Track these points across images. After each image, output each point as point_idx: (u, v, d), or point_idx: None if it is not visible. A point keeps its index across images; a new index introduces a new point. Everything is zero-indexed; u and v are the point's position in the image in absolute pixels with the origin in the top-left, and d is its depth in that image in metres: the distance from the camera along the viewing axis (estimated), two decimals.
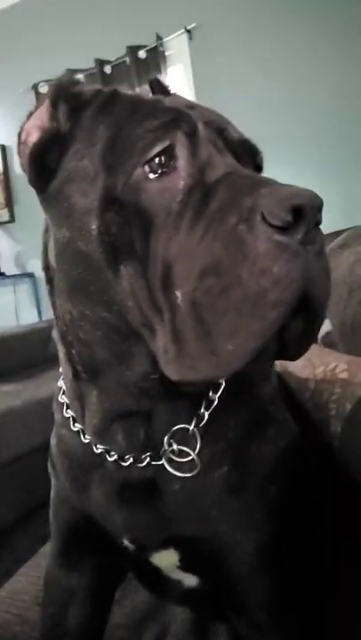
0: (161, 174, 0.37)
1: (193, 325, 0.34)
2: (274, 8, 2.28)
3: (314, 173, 2.28)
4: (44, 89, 2.73)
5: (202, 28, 2.39)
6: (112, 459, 0.47)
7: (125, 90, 0.47)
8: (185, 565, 0.50)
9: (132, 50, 2.43)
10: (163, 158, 0.37)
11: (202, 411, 0.45)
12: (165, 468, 0.45)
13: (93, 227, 0.39)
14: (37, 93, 2.75)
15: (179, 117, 0.39)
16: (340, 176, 2.26)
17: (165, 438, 0.45)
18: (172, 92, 0.50)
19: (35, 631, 0.68)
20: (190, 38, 2.41)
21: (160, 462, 0.45)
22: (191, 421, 0.45)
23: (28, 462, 1.54)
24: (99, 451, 0.47)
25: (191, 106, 0.42)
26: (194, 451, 0.44)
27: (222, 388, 0.46)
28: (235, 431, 0.47)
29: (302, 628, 0.50)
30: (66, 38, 2.67)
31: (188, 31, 2.40)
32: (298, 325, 0.35)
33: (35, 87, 2.75)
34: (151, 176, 0.37)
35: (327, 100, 2.24)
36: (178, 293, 0.34)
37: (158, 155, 0.37)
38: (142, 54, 2.44)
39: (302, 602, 0.50)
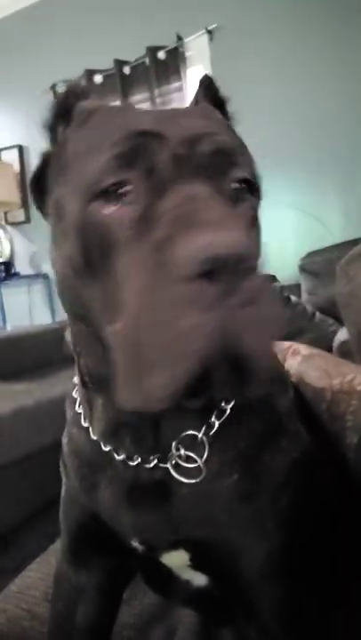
0: (114, 207, 0.37)
1: (122, 358, 0.34)
2: (295, 10, 2.27)
3: (331, 178, 2.27)
4: (62, 90, 2.76)
5: (223, 28, 2.39)
6: (120, 457, 0.47)
7: (113, 102, 0.48)
8: (195, 565, 0.50)
9: (152, 50, 2.44)
10: (116, 191, 0.36)
11: (212, 420, 0.45)
12: (177, 469, 0.45)
13: (65, 252, 0.40)
14: (55, 94, 2.77)
15: (140, 148, 0.37)
16: (357, 182, 2.25)
17: (173, 443, 0.45)
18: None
19: (43, 626, 0.68)
20: (211, 39, 2.41)
21: (168, 465, 0.45)
22: (200, 429, 0.45)
23: (38, 461, 1.55)
24: (107, 449, 0.48)
25: (171, 115, 0.41)
26: (201, 458, 0.44)
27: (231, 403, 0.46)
28: (247, 441, 0.46)
29: (312, 638, 0.49)
30: (85, 38, 2.69)
31: (209, 32, 2.40)
32: (233, 373, 0.33)
33: (53, 88, 2.77)
34: (104, 209, 0.37)
35: (346, 105, 2.23)
36: (113, 326, 0.35)
37: (111, 187, 0.37)
38: (162, 55, 2.44)
39: (313, 611, 0.49)
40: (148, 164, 0.37)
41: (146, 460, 0.46)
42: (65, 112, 0.45)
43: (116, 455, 0.47)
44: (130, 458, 0.46)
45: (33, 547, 1.42)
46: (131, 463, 0.46)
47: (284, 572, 0.47)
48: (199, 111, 0.46)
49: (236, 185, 0.40)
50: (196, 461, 0.44)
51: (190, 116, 0.42)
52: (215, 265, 0.29)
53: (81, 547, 0.58)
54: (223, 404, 0.46)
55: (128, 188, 0.36)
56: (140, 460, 0.46)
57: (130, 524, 0.48)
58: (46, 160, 0.46)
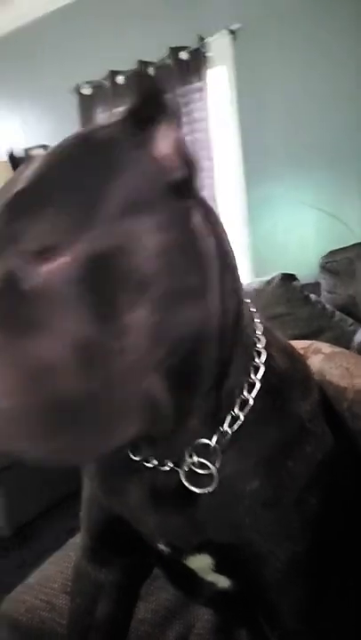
0: None
1: None
2: (319, 9, 2.25)
3: (352, 177, 2.24)
4: (86, 90, 2.78)
5: (246, 29, 2.37)
6: (138, 459, 0.46)
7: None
8: (220, 569, 0.49)
9: (174, 51, 2.43)
10: None
11: (225, 428, 0.44)
12: (191, 476, 0.44)
13: None
14: (80, 95, 2.80)
15: None
16: None
17: (186, 451, 0.44)
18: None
19: (62, 618, 0.69)
20: (234, 39, 2.40)
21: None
22: (213, 437, 0.44)
23: None
24: (125, 451, 0.47)
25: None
26: (214, 465, 0.44)
27: (249, 406, 0.45)
28: (267, 448, 0.46)
29: (334, 637, 0.49)
30: (108, 39, 2.70)
31: (232, 32, 2.38)
32: None
33: (77, 89, 2.80)
34: None
35: None
36: None
37: None
38: (184, 55, 2.44)
39: (337, 612, 0.49)
40: None
41: (162, 463, 0.45)
42: None
43: (133, 456, 0.47)
44: (147, 460, 0.46)
45: (51, 540, 1.44)
46: (148, 465, 0.46)
47: (307, 572, 0.46)
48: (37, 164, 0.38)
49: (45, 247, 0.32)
50: (209, 469, 0.44)
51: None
52: None
53: (101, 546, 0.58)
54: (237, 411, 0.45)
55: None
56: (156, 462, 0.45)
57: (154, 527, 0.48)
58: None
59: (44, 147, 3.14)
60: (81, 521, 0.59)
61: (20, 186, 0.34)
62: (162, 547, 0.50)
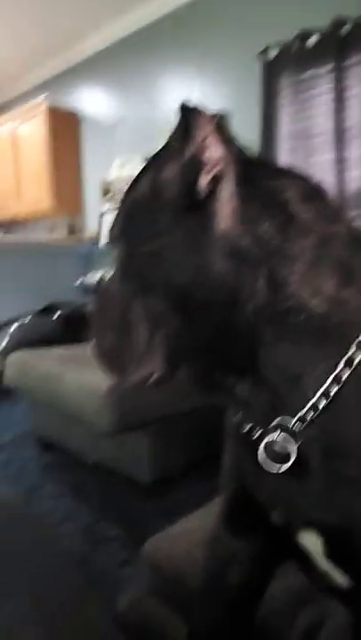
0: None
1: None
2: None
3: None
4: (272, 53, 2.69)
5: None
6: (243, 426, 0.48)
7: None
8: (331, 554, 0.47)
9: None
10: None
11: (305, 412, 0.42)
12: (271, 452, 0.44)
13: None
14: (265, 59, 2.72)
15: None
16: None
17: (271, 428, 0.44)
18: None
19: (198, 569, 0.72)
20: None
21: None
22: (295, 417, 0.43)
23: (204, 413, 1.61)
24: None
25: None
26: (294, 444, 0.43)
27: (333, 393, 0.41)
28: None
29: None
30: None
31: None
32: None
33: (264, 52, 2.73)
34: None
35: None
36: None
37: None
38: None
39: None
40: None
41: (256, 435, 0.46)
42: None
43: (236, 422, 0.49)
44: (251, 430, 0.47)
45: (189, 496, 1.52)
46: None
47: None
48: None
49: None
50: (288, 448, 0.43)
51: None
52: None
53: (236, 515, 0.60)
54: (317, 399, 0.41)
55: None
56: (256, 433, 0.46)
57: (266, 494, 0.49)
58: None
59: (223, 114, 3.14)
60: (220, 486, 0.61)
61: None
62: (275, 518, 0.49)
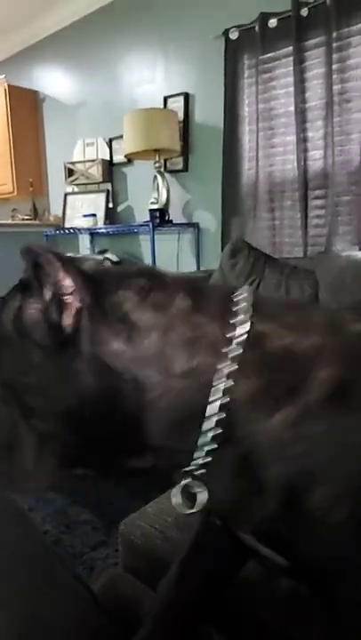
0: None
1: None
2: None
3: None
4: (234, 35, 2.68)
5: None
6: None
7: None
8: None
9: None
10: None
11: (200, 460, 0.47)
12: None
13: None
14: (228, 40, 2.71)
15: None
16: None
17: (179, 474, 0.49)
18: None
19: (173, 549, 0.74)
20: None
21: None
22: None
23: None
24: None
25: None
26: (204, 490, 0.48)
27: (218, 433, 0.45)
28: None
29: None
30: None
31: None
32: None
33: (225, 33, 2.71)
34: None
35: None
36: None
37: None
38: None
39: None
40: None
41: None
42: None
43: None
44: None
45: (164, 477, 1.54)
46: None
47: None
48: None
49: None
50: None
51: None
52: None
53: None
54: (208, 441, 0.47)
55: None
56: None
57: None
58: None
59: (186, 94, 3.14)
60: None
61: None
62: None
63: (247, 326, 0.44)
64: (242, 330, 0.44)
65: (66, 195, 3.81)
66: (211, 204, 3.01)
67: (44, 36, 3.93)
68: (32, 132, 4.14)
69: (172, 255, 3.25)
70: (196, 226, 3.13)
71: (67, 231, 3.61)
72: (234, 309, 0.46)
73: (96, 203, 3.61)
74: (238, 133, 2.79)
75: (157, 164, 3.00)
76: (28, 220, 4.10)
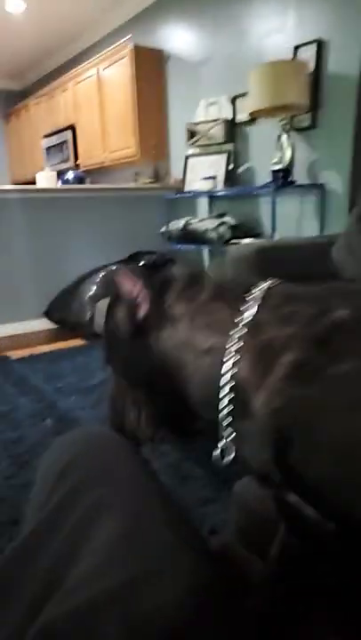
0: None
1: None
2: None
3: None
4: None
5: None
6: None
7: None
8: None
9: None
10: None
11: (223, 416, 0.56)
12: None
13: None
14: None
15: None
16: None
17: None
18: None
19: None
20: None
21: None
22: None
23: None
24: None
25: None
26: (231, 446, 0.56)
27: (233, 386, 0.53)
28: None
29: None
30: None
31: None
32: None
33: None
34: None
35: None
36: None
37: None
38: None
39: None
40: None
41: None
42: None
43: None
44: None
45: None
46: None
47: None
48: None
49: None
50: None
51: None
52: None
53: None
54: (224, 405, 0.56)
55: None
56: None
57: None
58: None
59: (319, 42, 2.90)
60: None
61: None
62: None
63: (253, 312, 0.53)
64: (248, 316, 0.53)
65: (187, 157, 3.81)
66: (339, 165, 2.81)
67: None
68: (156, 94, 4.17)
69: (293, 218, 3.13)
70: (321, 187, 2.96)
71: (186, 194, 3.63)
72: (247, 299, 0.55)
73: (217, 164, 3.57)
74: None
75: (283, 122, 2.86)
76: (150, 183, 4.20)
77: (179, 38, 3.95)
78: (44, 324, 3.59)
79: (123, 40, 4.26)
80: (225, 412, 0.52)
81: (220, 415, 0.52)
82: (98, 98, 4.57)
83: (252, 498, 0.86)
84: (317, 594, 0.65)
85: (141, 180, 4.35)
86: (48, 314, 3.59)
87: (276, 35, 3.12)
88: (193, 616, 0.41)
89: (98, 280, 3.29)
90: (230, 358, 0.51)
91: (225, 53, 3.53)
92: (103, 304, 2.25)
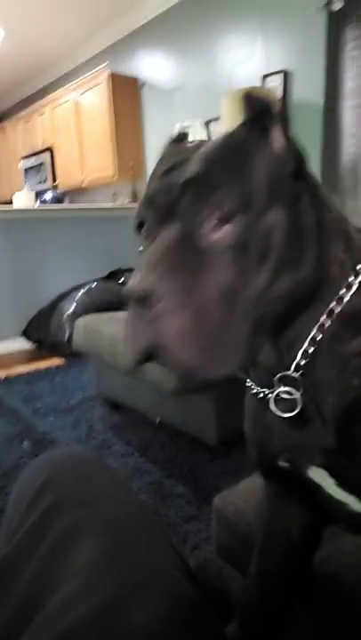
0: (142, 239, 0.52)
1: None
2: None
3: None
4: (337, 5, 2.54)
5: None
6: (250, 385, 0.58)
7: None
8: (340, 481, 0.54)
9: None
10: (141, 227, 0.52)
11: (298, 360, 0.52)
12: (279, 402, 0.53)
13: None
14: (331, 13, 2.58)
15: (152, 195, 0.51)
16: None
17: (275, 382, 0.53)
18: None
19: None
20: None
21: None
22: (290, 369, 0.52)
23: None
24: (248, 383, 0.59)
25: (181, 161, 0.51)
26: (298, 391, 0.52)
27: (319, 339, 0.51)
28: (338, 380, 0.51)
29: None
30: None
31: None
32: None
33: (328, 4, 2.58)
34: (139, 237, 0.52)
35: None
36: None
37: (138, 226, 0.52)
38: None
39: None
40: (153, 207, 0.50)
41: (263, 392, 0.55)
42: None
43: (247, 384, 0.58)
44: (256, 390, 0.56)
45: None
46: (259, 395, 0.56)
47: None
48: (213, 148, 0.51)
49: (215, 218, 0.47)
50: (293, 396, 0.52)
51: (194, 160, 0.50)
52: (130, 298, 0.45)
53: (270, 479, 0.67)
54: (306, 346, 0.51)
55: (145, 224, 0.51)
56: (261, 391, 0.56)
57: (277, 444, 0.57)
58: None
59: (285, 72, 3.03)
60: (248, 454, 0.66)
61: (193, 169, 0.48)
62: (283, 464, 0.57)
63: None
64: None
65: None
66: None
67: (142, 23, 4.00)
68: (132, 117, 4.26)
69: None
70: None
71: None
72: None
73: None
74: (339, 110, 2.66)
75: None
76: (129, 202, 4.25)
77: (154, 66, 4.06)
78: (21, 344, 3.58)
79: (99, 67, 4.35)
80: (307, 342, 0.51)
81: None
82: (75, 121, 4.64)
83: (232, 512, 0.89)
84: (295, 615, 0.68)
85: (120, 199, 4.41)
86: (26, 333, 3.57)
87: (246, 64, 3.25)
88: (170, 638, 0.41)
89: (77, 298, 3.30)
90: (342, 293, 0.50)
91: (198, 80, 3.64)
92: (82, 322, 2.27)
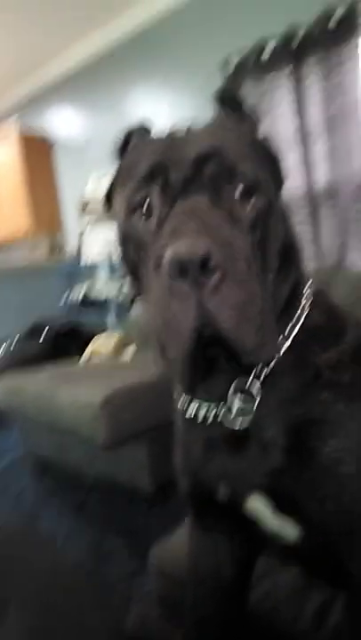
0: (144, 218, 0.50)
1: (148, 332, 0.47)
2: None
3: None
4: (234, 61, 2.75)
5: None
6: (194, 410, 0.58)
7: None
8: (279, 506, 0.54)
9: (323, 19, 2.29)
10: (143, 206, 0.50)
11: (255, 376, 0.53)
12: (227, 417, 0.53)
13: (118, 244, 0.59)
14: (228, 65, 2.78)
15: (156, 170, 0.50)
16: None
17: (229, 393, 0.54)
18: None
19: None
20: None
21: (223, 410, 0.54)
22: (246, 384, 0.53)
23: None
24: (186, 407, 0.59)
25: (186, 140, 0.53)
26: (251, 407, 0.53)
27: (277, 357, 0.52)
28: (287, 393, 0.52)
29: None
30: (256, 7, 2.65)
31: None
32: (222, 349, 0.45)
33: (226, 63, 2.78)
34: (136, 221, 0.50)
35: None
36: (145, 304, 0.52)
37: (139, 204, 0.50)
38: (333, 22, 2.27)
39: None
40: (162, 183, 0.49)
41: (211, 409, 0.55)
42: (124, 146, 0.67)
43: (190, 408, 0.57)
44: (202, 416, 0.56)
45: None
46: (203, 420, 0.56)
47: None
48: (211, 130, 0.57)
49: (238, 192, 0.48)
50: (247, 411, 0.53)
51: (202, 138, 0.53)
52: (179, 266, 0.40)
53: (202, 511, 0.66)
54: (261, 367, 0.53)
55: (151, 203, 0.49)
56: (207, 409, 0.56)
57: (214, 473, 0.57)
58: (114, 181, 0.63)
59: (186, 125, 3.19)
60: (177, 479, 0.66)
61: (210, 144, 0.51)
62: (222, 492, 0.57)
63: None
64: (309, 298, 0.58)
65: (81, 233, 3.90)
66: None
67: (51, 80, 4.09)
68: (46, 171, 4.26)
69: None
70: None
71: (83, 265, 3.69)
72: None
73: (113, 233, 3.68)
74: None
75: None
76: (47, 255, 4.21)
77: (64, 121, 4.14)
78: None
79: (8, 121, 4.37)
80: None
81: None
82: None
83: (170, 562, 0.87)
84: None
85: (37, 252, 4.35)
86: None
87: (154, 118, 3.40)
88: None
89: None
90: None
91: (109, 133, 3.72)
92: (3, 381, 2.18)
